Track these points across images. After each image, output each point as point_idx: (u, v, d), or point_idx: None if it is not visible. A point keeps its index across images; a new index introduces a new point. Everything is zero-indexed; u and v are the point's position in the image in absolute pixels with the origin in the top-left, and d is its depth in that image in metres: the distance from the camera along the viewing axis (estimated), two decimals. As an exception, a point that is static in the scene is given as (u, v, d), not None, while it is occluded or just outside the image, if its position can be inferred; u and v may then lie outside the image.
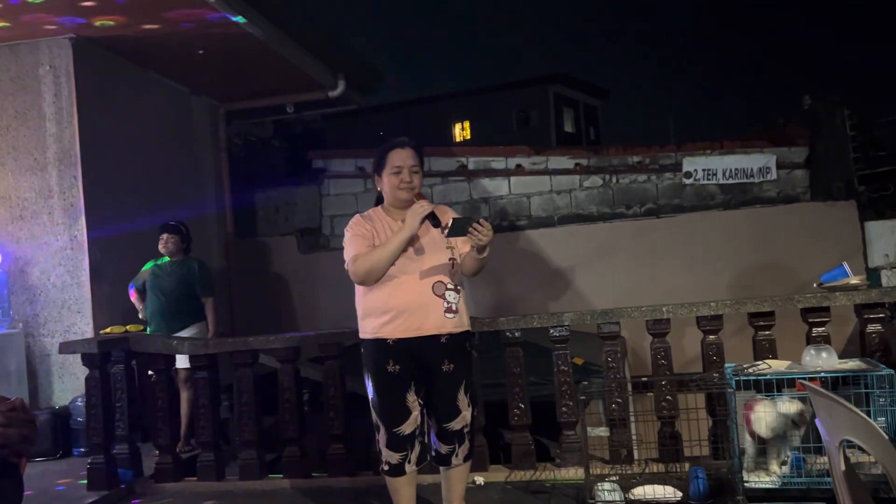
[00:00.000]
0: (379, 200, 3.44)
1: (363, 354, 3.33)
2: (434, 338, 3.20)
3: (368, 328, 3.25)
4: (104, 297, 6.25)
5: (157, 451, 4.87)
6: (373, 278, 3.15)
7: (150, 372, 5.13)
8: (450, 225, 3.06)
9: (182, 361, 5.33)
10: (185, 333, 5.72)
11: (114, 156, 6.63)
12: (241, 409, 4.69)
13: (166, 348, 4.87)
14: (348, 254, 3.22)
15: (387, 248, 3.13)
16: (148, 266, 5.95)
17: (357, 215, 3.37)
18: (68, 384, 6.12)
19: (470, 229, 3.05)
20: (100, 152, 6.41)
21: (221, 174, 8.75)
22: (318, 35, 7.70)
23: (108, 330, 5.58)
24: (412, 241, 3.21)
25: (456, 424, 3.29)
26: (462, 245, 3.31)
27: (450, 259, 3.26)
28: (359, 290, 3.29)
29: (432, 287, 3.20)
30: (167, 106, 7.75)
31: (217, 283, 6.51)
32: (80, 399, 5.65)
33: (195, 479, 4.76)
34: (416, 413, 3.24)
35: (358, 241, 3.22)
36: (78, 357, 4.80)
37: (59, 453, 5.70)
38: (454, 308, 3.23)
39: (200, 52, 6.91)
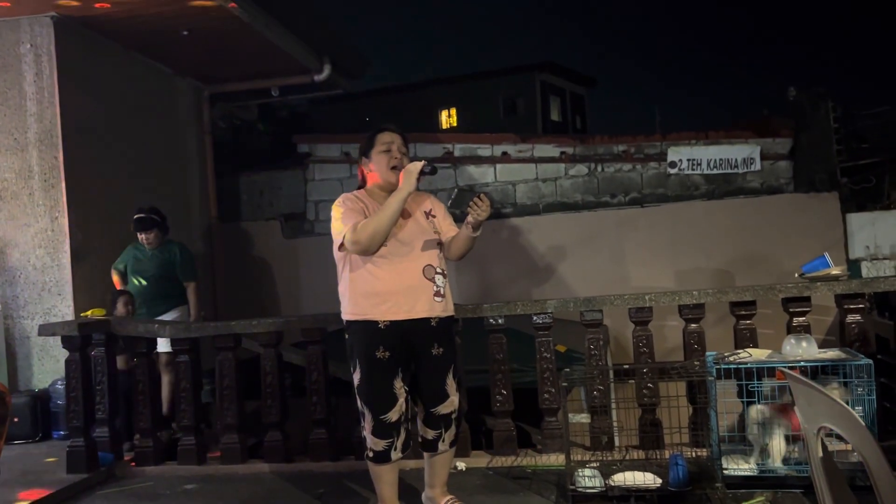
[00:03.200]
0: (362, 186, 3.43)
1: (349, 337, 3.31)
2: (424, 321, 3.21)
3: (358, 310, 3.23)
4: (85, 279, 6.19)
5: (138, 435, 4.84)
6: (376, 244, 3.11)
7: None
8: (454, 195, 3.17)
9: (163, 345, 5.30)
10: (166, 317, 5.69)
11: (96, 137, 6.56)
12: (223, 393, 4.67)
13: (147, 332, 4.83)
14: (344, 225, 3.15)
15: (387, 211, 3.10)
16: (129, 249, 5.90)
17: (345, 193, 3.35)
18: (48, 367, 6.07)
19: (471, 203, 3.07)
20: (82, 133, 6.34)
21: (205, 157, 8.67)
22: (305, 18, 7.63)
23: (88, 313, 5.54)
24: (402, 224, 3.20)
25: (444, 409, 3.29)
26: (448, 229, 3.32)
27: (437, 243, 3.27)
28: (345, 272, 3.27)
29: (423, 270, 3.20)
30: (150, 87, 7.66)
31: (200, 267, 6.46)
32: (60, 382, 5.61)
33: (176, 462, 4.75)
34: (401, 400, 3.25)
35: (352, 213, 3.19)
36: (58, 339, 4.75)
37: (38, 436, 5.66)
38: (442, 292, 3.25)
39: (185, 32, 6.82)
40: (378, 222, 3.09)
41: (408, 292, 3.17)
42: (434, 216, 3.35)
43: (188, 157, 8.38)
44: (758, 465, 3.54)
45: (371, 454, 3.30)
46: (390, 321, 3.17)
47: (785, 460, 3.50)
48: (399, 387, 3.23)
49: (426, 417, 3.33)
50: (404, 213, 3.25)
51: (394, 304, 3.17)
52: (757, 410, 3.52)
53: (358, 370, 3.26)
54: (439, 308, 3.25)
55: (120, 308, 5.51)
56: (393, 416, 3.22)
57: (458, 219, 3.35)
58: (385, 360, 3.19)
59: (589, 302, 4.29)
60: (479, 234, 3.20)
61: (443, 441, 3.33)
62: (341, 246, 3.19)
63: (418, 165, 3.12)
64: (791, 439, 3.47)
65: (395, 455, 3.27)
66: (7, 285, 6.17)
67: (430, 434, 3.33)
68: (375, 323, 3.18)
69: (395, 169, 3.24)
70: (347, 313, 3.29)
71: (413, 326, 3.20)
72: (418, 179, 3.13)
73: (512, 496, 3.75)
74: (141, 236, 5.78)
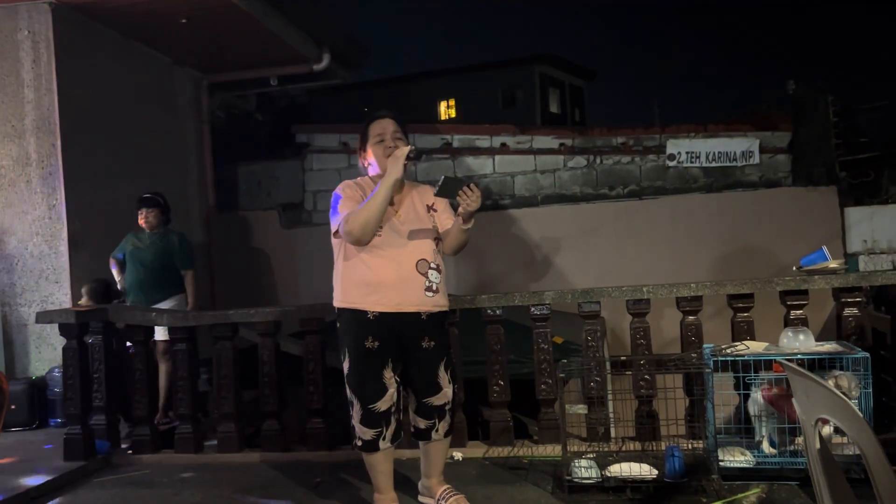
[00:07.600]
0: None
1: (340, 325, 3.30)
2: (414, 315, 3.19)
3: (348, 297, 3.22)
4: (82, 267, 6.18)
5: (134, 423, 4.84)
6: (368, 233, 3.09)
7: (128, 343, 5.08)
8: (440, 183, 3.02)
9: (160, 333, 5.30)
10: (164, 305, 5.68)
11: (94, 124, 6.54)
12: (220, 382, 4.67)
13: (145, 320, 4.83)
14: (340, 213, 3.15)
15: (376, 199, 3.07)
16: (128, 237, 5.89)
17: (346, 180, 3.34)
18: (45, 354, 6.07)
19: (460, 192, 3.02)
20: (79, 120, 6.32)
21: (203, 146, 8.66)
22: (303, 7, 7.61)
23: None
24: (400, 215, 3.19)
25: (437, 400, 3.28)
26: (445, 220, 3.30)
27: (434, 238, 3.25)
28: (339, 259, 3.26)
29: (416, 264, 3.18)
30: (149, 75, 7.63)
31: (197, 256, 6.46)
32: (57, 369, 5.61)
33: (172, 451, 4.75)
34: (392, 390, 3.23)
35: (349, 202, 3.18)
36: (55, 327, 4.75)
37: (35, 423, 5.67)
38: (434, 287, 3.22)
39: (183, 20, 6.80)
40: (368, 212, 3.07)
41: (397, 284, 3.15)
42: (435, 210, 3.34)
43: (186, 146, 8.36)
44: (756, 455, 3.54)
45: (359, 443, 3.29)
46: (379, 313, 3.16)
47: (781, 453, 3.51)
48: (389, 377, 3.22)
49: (418, 408, 3.32)
50: (404, 204, 3.24)
51: (383, 295, 3.15)
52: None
53: (347, 359, 3.25)
54: (430, 303, 3.21)
55: (84, 300, 5.46)
56: (382, 405, 3.21)
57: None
58: (374, 350, 3.17)
59: (586, 293, 4.29)
60: (470, 227, 3.16)
61: (436, 431, 3.32)
62: (336, 233, 3.19)
63: (405, 150, 3.10)
64: (787, 431, 3.48)
65: (383, 445, 3.26)
66: (4, 273, 6.16)
67: (423, 424, 3.32)
68: (365, 313, 3.17)
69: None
70: (338, 300, 3.28)
71: (402, 320, 3.18)
72: (405, 165, 3.10)
73: (508, 486, 3.75)
74: (141, 214, 5.76)
